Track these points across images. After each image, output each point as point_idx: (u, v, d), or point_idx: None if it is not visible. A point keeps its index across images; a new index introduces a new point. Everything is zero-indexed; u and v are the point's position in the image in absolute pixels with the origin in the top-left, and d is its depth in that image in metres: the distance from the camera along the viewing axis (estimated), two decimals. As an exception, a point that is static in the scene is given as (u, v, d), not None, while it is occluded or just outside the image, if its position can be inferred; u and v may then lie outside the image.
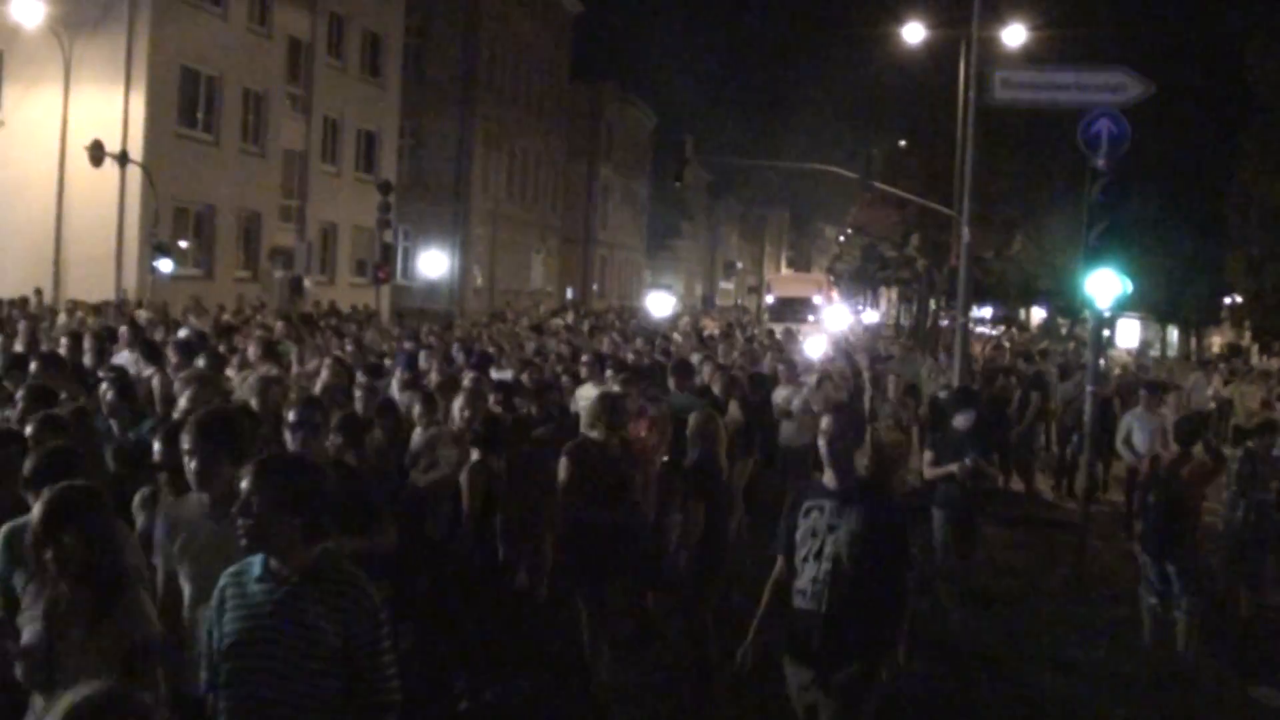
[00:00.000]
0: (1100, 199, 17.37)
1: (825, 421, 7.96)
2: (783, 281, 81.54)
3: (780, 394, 19.46)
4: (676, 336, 33.74)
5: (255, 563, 5.76)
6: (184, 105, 43.84)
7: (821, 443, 7.87)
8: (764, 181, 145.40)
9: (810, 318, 66.45)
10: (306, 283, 47.78)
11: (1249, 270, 73.75)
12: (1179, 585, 13.70)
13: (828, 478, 7.85)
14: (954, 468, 14.34)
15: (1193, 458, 14.06)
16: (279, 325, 24.48)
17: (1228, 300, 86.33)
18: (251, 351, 16.50)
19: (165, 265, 40.08)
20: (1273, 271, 71.85)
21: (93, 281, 38.01)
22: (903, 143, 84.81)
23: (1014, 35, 40.37)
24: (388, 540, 9.03)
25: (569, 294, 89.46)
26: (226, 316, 30.74)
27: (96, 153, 39.28)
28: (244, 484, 5.72)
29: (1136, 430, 19.96)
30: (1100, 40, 57.91)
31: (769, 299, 72.73)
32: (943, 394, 22.81)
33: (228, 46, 45.28)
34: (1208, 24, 74.87)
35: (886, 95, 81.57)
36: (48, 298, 36.38)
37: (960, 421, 15.07)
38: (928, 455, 14.97)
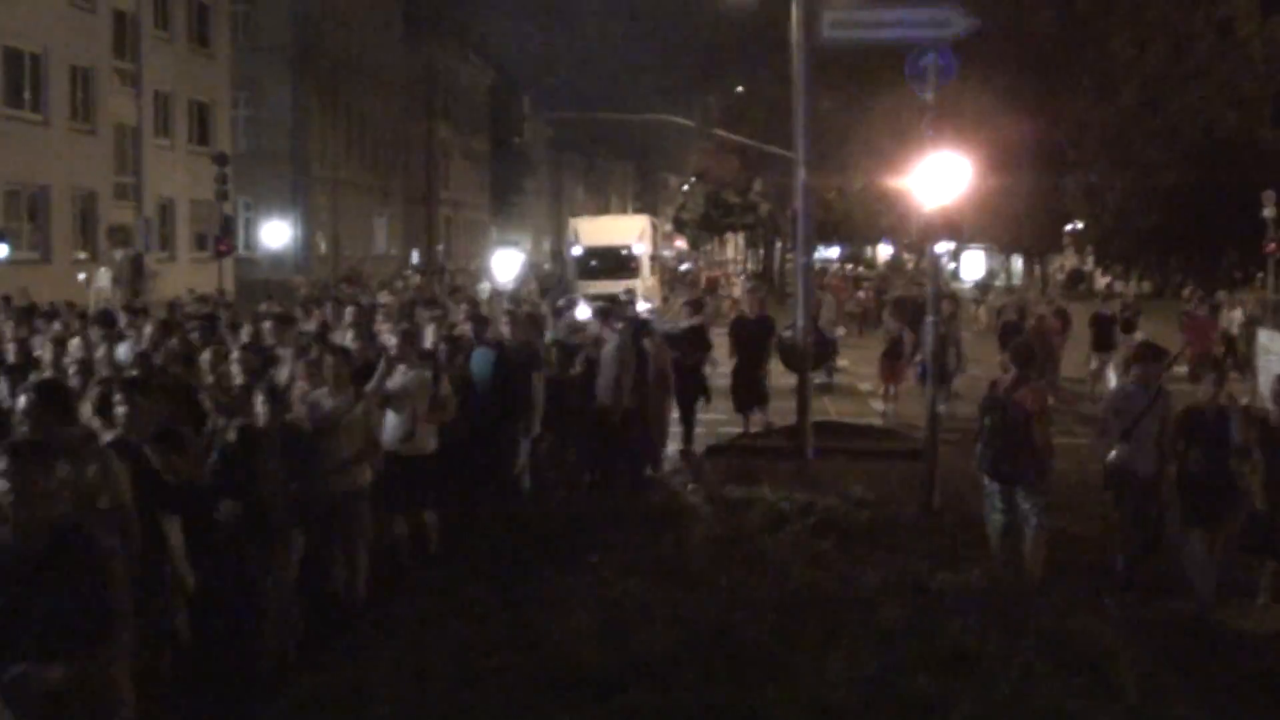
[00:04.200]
0: (930, 133, 17.65)
1: None
2: (592, 228, 60.66)
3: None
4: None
5: None
6: (9, 85, 42.98)
7: None
8: (606, 133, 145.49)
9: (631, 277, 52.89)
10: (147, 261, 47.04)
11: (1088, 197, 75.15)
12: (1026, 507, 13.95)
13: None
14: None
15: (1029, 380, 14.29)
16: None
17: (1069, 227, 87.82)
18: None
19: (0, 250, 39.31)
20: (1110, 198, 73.28)
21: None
22: (740, 89, 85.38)
23: (843, -25, 40.84)
24: None
25: (414, 256, 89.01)
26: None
27: (-79, 138, 38.44)
28: None
29: None
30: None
31: (576, 251, 56.51)
32: (787, 332, 23.01)
33: (51, 22, 44.40)
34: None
35: (723, 42, 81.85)
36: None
37: None
38: None
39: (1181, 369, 28.40)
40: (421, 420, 14.47)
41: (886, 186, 71.39)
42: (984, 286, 42.47)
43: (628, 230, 58.80)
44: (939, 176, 17.39)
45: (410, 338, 15.75)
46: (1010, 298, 38.35)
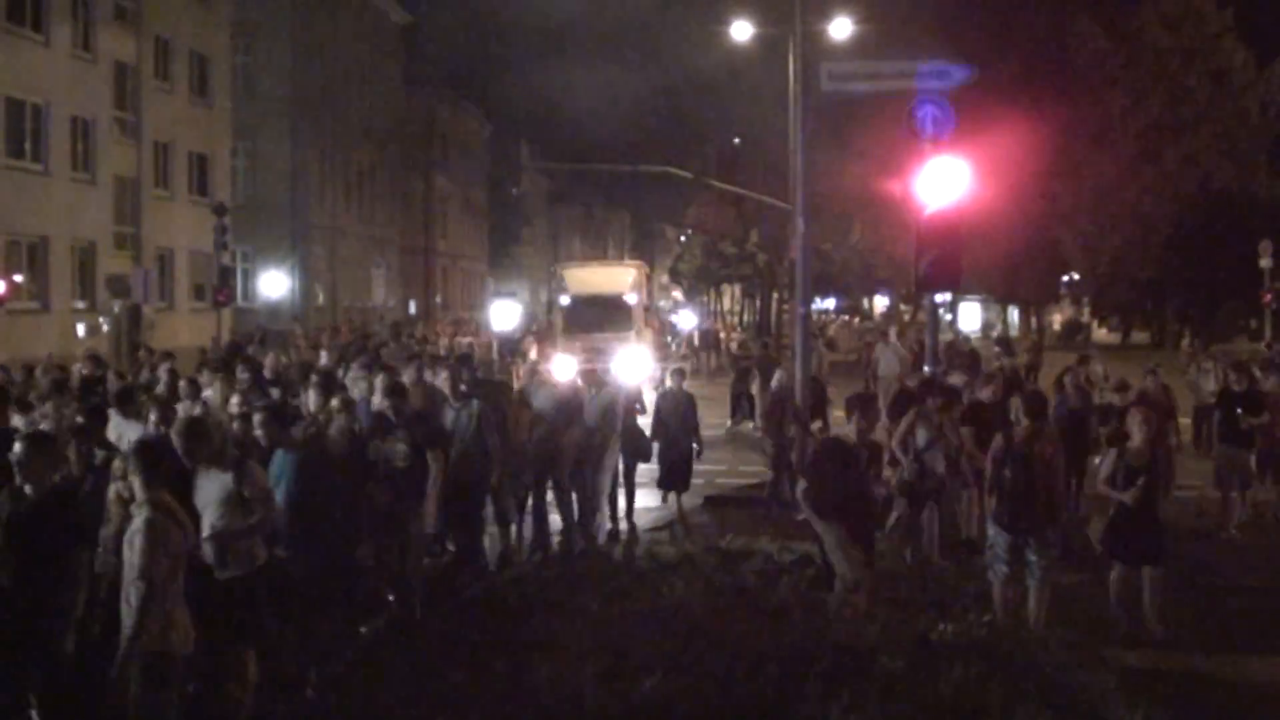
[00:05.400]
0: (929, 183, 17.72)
1: None
2: (581, 276, 54.72)
3: None
4: None
5: None
6: (10, 135, 43.05)
7: None
8: (604, 185, 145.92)
9: (623, 329, 48.49)
10: (146, 310, 47.10)
11: (1084, 248, 75.33)
12: (1033, 560, 13.91)
13: None
14: None
15: (1045, 433, 14.26)
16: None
17: (1065, 278, 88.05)
18: None
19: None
20: (1107, 248, 73.47)
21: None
22: (737, 140, 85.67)
23: (840, 29, 41.24)
24: None
25: (411, 307, 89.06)
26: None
27: (-78, 188, 38.60)
28: None
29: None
30: (925, 31, 58.92)
31: (564, 300, 51.37)
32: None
33: (52, 73, 44.52)
34: (1028, 9, 76.15)
35: (720, 93, 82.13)
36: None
37: None
38: None
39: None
40: (235, 536, 11.14)
41: (883, 237, 71.57)
42: (1005, 341, 39.91)
43: (620, 279, 53.34)
44: (937, 223, 17.42)
45: (200, 434, 11.62)
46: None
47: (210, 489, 11.12)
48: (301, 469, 12.88)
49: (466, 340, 39.63)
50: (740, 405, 35.59)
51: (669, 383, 22.73)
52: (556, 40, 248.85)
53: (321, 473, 12.98)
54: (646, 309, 54.94)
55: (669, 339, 64.08)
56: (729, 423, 35.12)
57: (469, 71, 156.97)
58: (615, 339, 45.22)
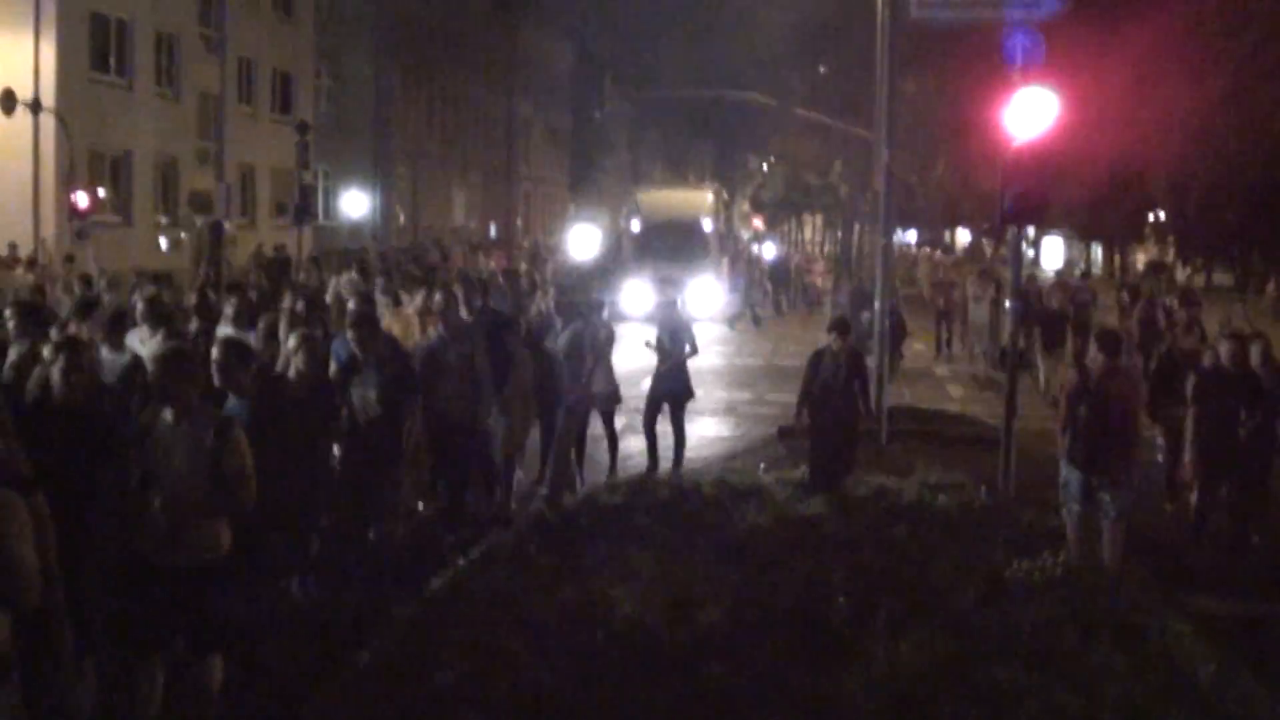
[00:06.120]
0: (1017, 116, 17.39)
1: None
2: (653, 199, 51.48)
3: None
4: None
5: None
6: (95, 50, 43.26)
7: None
8: (687, 112, 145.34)
9: (699, 257, 46.16)
10: (227, 226, 47.29)
11: (1172, 186, 74.26)
12: (1108, 498, 13.73)
13: None
14: None
15: (1120, 370, 14.05)
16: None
17: (1151, 217, 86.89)
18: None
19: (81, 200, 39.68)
20: (1195, 186, 72.42)
21: (8, 232, 37.31)
22: (822, 69, 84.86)
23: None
24: None
25: (492, 230, 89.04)
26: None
27: (8, 102, 38.84)
28: None
29: None
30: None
31: (635, 225, 48.74)
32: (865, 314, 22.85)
33: (137, -12, 44.71)
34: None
35: (806, 21, 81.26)
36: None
37: None
38: None
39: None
40: (195, 513, 8.82)
41: (967, 170, 70.67)
42: (1133, 286, 36.26)
43: (696, 203, 50.77)
44: (1025, 155, 17.10)
45: (181, 370, 9.11)
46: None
47: (177, 448, 8.82)
48: (253, 420, 10.15)
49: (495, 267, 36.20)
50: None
51: (829, 342, 17.31)
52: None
53: (274, 424, 10.60)
54: (723, 237, 52.29)
55: (758, 273, 60.74)
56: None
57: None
58: (689, 268, 43.14)
